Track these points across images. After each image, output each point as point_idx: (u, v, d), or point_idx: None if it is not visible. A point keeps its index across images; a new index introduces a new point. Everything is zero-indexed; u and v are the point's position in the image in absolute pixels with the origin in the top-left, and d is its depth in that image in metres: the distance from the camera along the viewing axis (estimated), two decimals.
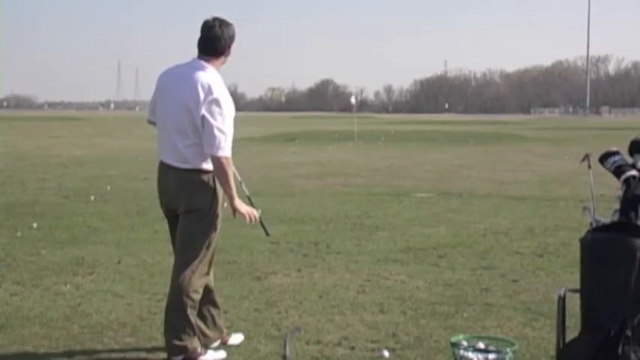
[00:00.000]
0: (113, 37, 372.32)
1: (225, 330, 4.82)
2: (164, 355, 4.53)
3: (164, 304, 5.63)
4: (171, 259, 5.12)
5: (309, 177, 16.47)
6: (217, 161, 4.34)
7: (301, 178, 16.29)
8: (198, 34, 4.48)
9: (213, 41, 4.43)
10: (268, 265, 7.10)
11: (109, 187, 13.94)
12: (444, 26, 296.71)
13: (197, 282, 4.48)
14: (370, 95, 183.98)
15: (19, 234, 8.85)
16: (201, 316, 4.63)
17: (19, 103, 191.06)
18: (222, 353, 4.61)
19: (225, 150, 4.34)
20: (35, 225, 9.43)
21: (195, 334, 4.49)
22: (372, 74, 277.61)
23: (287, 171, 17.94)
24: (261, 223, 4.71)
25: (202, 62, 4.44)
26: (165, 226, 4.79)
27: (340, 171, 17.90)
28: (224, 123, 4.33)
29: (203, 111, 4.29)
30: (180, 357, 4.44)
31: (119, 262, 7.27)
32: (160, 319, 5.23)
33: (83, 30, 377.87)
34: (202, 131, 4.32)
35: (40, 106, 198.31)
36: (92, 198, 12.35)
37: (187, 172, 4.42)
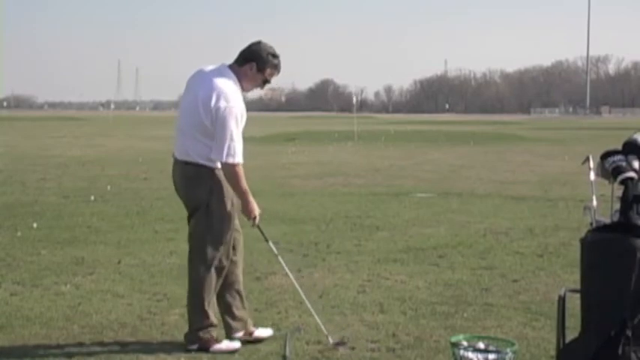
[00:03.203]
0: (113, 37, 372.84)
1: (249, 321, 4.83)
2: (164, 355, 4.55)
3: (164, 304, 5.70)
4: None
5: (309, 177, 16.47)
6: (227, 168, 4.40)
7: (301, 178, 16.28)
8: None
9: (240, 51, 4.60)
10: (268, 265, 7.09)
11: (109, 187, 13.94)
12: (444, 26, 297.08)
13: (210, 275, 4.55)
14: (370, 95, 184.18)
15: (19, 234, 8.85)
16: (224, 305, 4.72)
17: (19, 103, 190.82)
18: (237, 343, 4.66)
19: (235, 157, 4.38)
20: (35, 225, 9.43)
21: (210, 324, 4.57)
22: (372, 74, 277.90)
23: (287, 171, 17.93)
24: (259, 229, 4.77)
25: (227, 68, 4.55)
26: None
27: (340, 171, 17.90)
28: (233, 130, 4.37)
29: (213, 116, 4.35)
30: (195, 346, 4.57)
31: (119, 262, 7.27)
32: (160, 319, 5.29)
33: (83, 30, 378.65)
34: (214, 135, 4.38)
35: (40, 106, 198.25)
36: (92, 198, 12.35)
37: (186, 165, 4.52)
